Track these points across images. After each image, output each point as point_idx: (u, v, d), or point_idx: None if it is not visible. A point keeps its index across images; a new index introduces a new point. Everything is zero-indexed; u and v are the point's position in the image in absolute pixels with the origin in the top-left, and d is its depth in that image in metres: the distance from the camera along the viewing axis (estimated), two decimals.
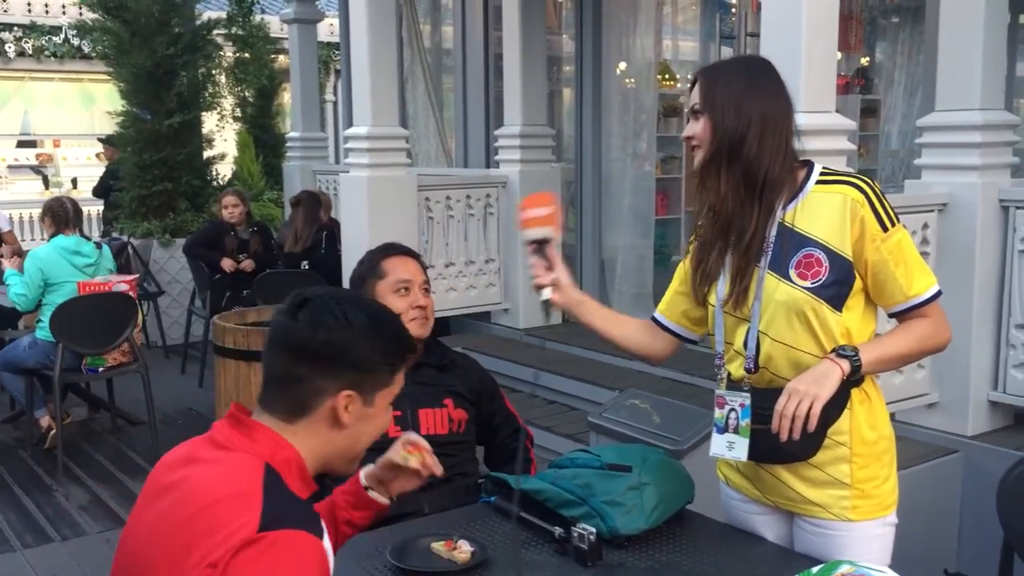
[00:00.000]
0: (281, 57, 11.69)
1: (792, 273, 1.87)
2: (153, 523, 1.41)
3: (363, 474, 1.83)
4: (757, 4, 3.44)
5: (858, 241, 1.86)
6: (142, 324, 6.23)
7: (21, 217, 11.62)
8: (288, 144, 8.85)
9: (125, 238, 7.87)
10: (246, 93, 11.37)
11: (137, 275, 6.35)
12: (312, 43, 8.52)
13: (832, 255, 1.86)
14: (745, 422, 1.90)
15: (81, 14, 10.57)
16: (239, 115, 11.35)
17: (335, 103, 16.03)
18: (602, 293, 6.47)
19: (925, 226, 3.72)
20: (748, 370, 1.92)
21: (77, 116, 13.82)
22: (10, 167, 13.66)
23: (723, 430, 1.93)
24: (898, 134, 8.09)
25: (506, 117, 6.22)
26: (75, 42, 12.70)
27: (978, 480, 3.58)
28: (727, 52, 6.80)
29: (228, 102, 11.15)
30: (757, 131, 1.87)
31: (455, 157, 7.96)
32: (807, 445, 1.88)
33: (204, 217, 8.10)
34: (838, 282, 1.86)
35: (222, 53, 10.49)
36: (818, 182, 1.92)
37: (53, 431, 5.17)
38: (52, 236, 5.19)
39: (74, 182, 13.78)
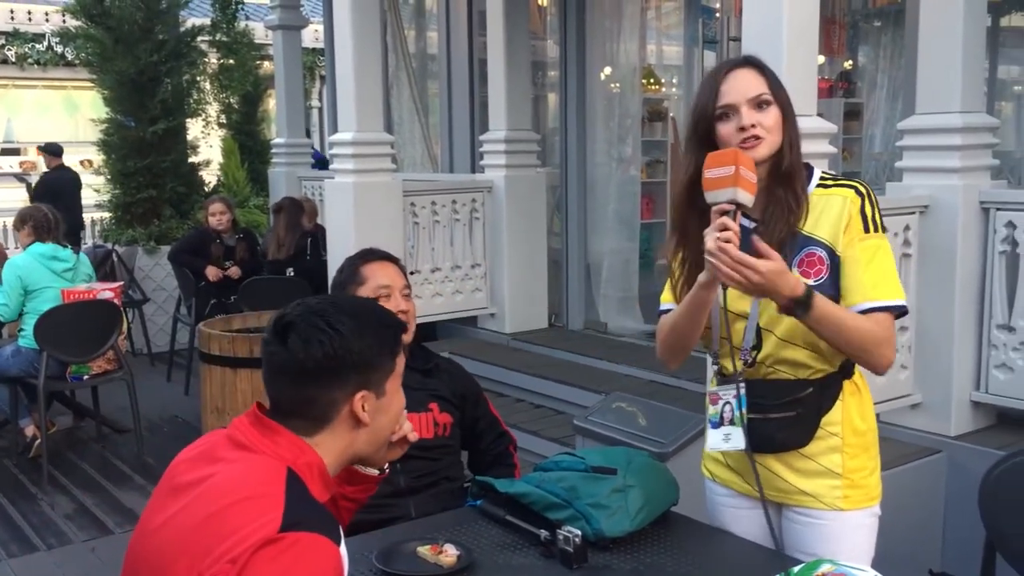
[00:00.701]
0: (266, 63, 11.67)
1: (795, 271, 1.90)
2: (172, 519, 1.43)
3: None
4: (740, 9, 3.47)
5: (844, 236, 1.90)
6: (127, 332, 6.21)
7: (4, 225, 11.55)
8: (273, 150, 8.84)
9: (109, 245, 7.84)
10: (231, 99, 11.34)
11: (122, 282, 6.33)
12: (297, 49, 8.51)
13: (832, 255, 1.90)
14: (741, 412, 1.92)
15: (64, 21, 10.52)
16: (224, 121, 11.32)
17: (320, 109, 16.03)
18: (588, 297, 6.49)
19: (907, 228, 3.75)
20: (745, 363, 1.94)
21: (61, 123, 13.77)
22: None
23: (718, 424, 1.95)
24: (881, 137, 8.15)
25: (491, 122, 6.23)
26: (58, 49, 12.66)
27: (961, 480, 3.60)
28: (710, 56, 6.84)
29: (213, 108, 11.12)
30: (797, 128, 1.94)
31: (440, 162, 7.97)
32: (800, 434, 1.91)
33: (189, 224, 8.08)
34: (836, 282, 1.90)
35: (206, 60, 10.46)
36: (818, 185, 1.96)
37: (38, 440, 5.15)
38: (29, 245, 5.17)
39: None
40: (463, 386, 2.65)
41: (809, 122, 3.29)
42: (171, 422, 6.01)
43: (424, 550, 1.94)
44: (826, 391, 1.94)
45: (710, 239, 1.79)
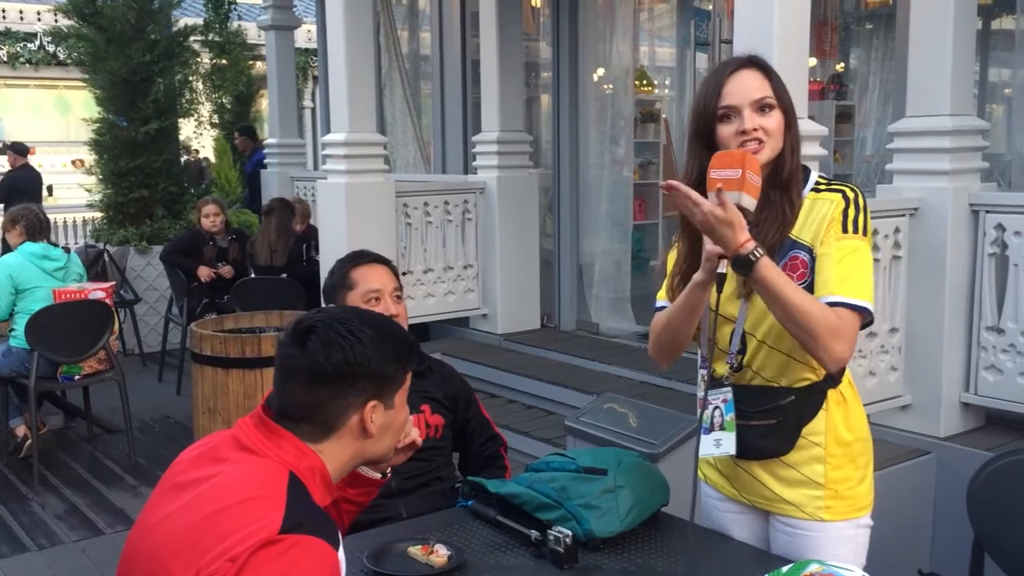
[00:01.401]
0: (259, 63, 11.67)
1: None
2: (172, 516, 1.44)
3: None
4: (732, 11, 3.49)
5: (823, 235, 1.88)
6: (119, 332, 6.20)
7: None
8: (266, 151, 8.84)
9: (101, 245, 7.82)
10: (224, 100, 11.34)
11: (113, 282, 6.31)
12: (289, 49, 8.51)
13: (813, 257, 1.89)
14: (730, 416, 1.92)
15: (56, 21, 10.52)
16: (217, 122, 11.32)
17: (313, 109, 16.02)
18: (580, 299, 6.50)
19: (897, 230, 3.77)
20: (732, 367, 1.94)
21: (53, 123, 13.74)
22: None
23: (709, 430, 1.94)
24: (872, 140, 8.18)
25: (484, 123, 6.24)
26: (50, 49, 12.62)
27: (951, 481, 3.62)
28: (702, 58, 6.86)
29: (206, 109, 11.11)
30: (798, 131, 1.93)
31: (433, 163, 7.97)
32: (781, 442, 1.91)
33: (181, 224, 8.06)
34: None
35: (199, 60, 10.45)
36: (812, 189, 1.95)
37: (29, 440, 5.14)
38: (20, 244, 5.16)
39: (49, 189, 13.65)
40: (455, 388, 2.65)
41: (800, 124, 3.30)
42: (163, 422, 6.00)
43: (415, 550, 1.94)
44: (809, 400, 1.92)
45: (709, 241, 1.79)
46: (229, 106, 11.40)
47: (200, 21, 11.02)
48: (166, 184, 8.27)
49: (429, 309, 6.01)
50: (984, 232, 3.74)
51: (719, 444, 1.92)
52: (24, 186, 9.02)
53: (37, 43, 12.69)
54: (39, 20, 12.74)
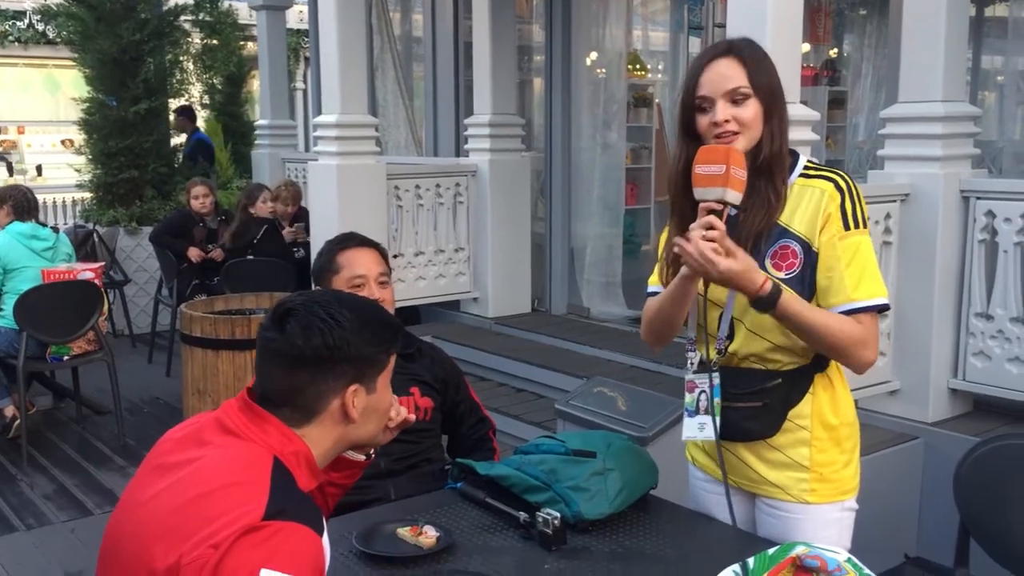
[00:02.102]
0: (250, 44, 11.57)
1: (768, 263, 1.89)
2: (156, 498, 1.43)
3: None
4: None
5: (822, 234, 1.88)
6: (108, 313, 6.17)
7: None
8: (257, 132, 8.79)
9: (90, 226, 7.78)
10: (214, 80, 11.25)
11: (103, 263, 6.29)
12: (281, 30, 8.45)
13: (807, 249, 1.89)
14: (716, 401, 1.93)
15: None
16: (207, 102, 11.23)
17: (305, 91, 15.93)
18: (571, 282, 6.50)
19: (887, 216, 3.78)
20: (720, 352, 1.95)
21: (42, 102, 13.63)
22: None
23: (694, 413, 1.96)
24: (865, 126, 8.19)
25: (476, 106, 6.22)
26: (40, 27, 12.50)
27: (938, 466, 3.64)
28: (695, 43, 6.84)
29: (196, 89, 11.03)
30: (784, 117, 1.91)
31: (425, 146, 7.95)
32: (766, 425, 1.92)
33: (171, 205, 8.02)
34: (807, 277, 1.89)
35: (190, 39, 10.36)
36: (801, 175, 1.94)
37: (17, 420, 5.11)
38: (8, 224, 5.12)
39: (39, 169, 13.60)
40: (445, 371, 2.65)
41: (792, 109, 3.28)
42: (152, 403, 5.99)
43: (404, 531, 1.94)
44: (795, 384, 1.93)
45: (695, 235, 1.79)
46: (220, 87, 11.31)
47: (191, 1, 10.93)
48: (156, 165, 8.22)
49: (420, 292, 6.01)
50: (974, 218, 3.75)
51: (703, 428, 1.93)
52: None
53: (26, 21, 12.56)
54: None
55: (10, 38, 12.80)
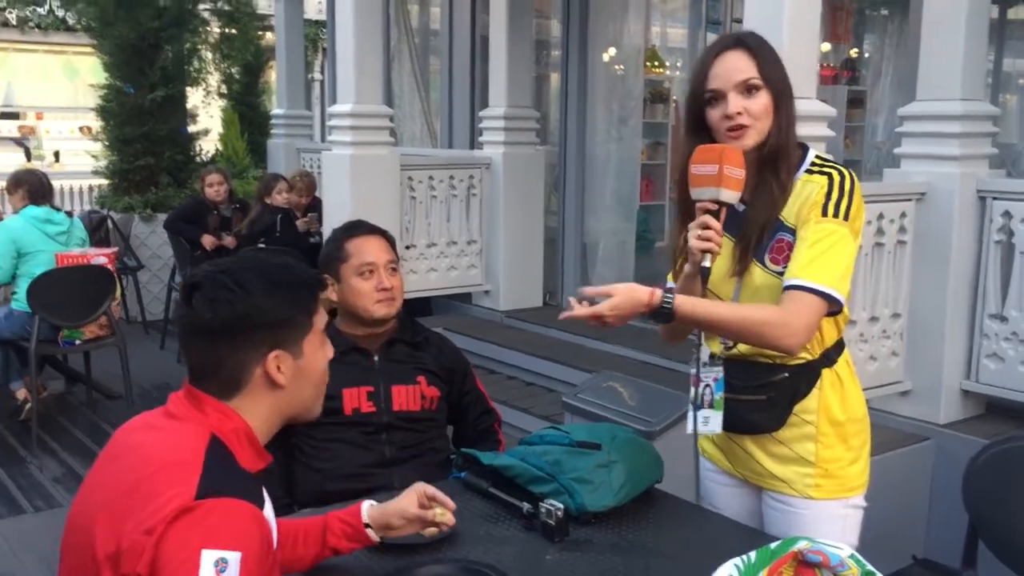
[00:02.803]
0: (268, 34, 11.59)
1: (766, 258, 1.88)
2: (101, 486, 1.43)
3: (366, 512, 1.81)
4: None
5: (800, 217, 1.85)
6: (121, 298, 6.20)
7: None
8: (272, 121, 8.81)
9: (104, 211, 7.81)
10: (232, 70, 11.28)
11: (116, 248, 6.31)
12: (298, 20, 8.45)
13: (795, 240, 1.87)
14: (719, 395, 1.92)
15: None
16: (225, 92, 11.27)
17: (322, 82, 15.93)
18: (583, 277, 6.48)
19: (903, 215, 3.74)
20: (726, 346, 1.94)
21: (61, 89, 13.69)
22: None
23: (699, 407, 1.94)
24: (884, 126, 8.13)
25: (491, 99, 6.20)
26: (59, 13, 12.55)
27: (949, 468, 3.60)
28: (713, 39, 6.79)
29: (214, 78, 11.06)
30: (791, 110, 1.89)
31: (440, 138, 7.94)
32: (771, 419, 1.90)
33: (186, 192, 8.05)
34: None
35: (208, 28, 10.39)
36: (807, 170, 1.92)
37: (28, 403, 5.14)
38: (23, 208, 5.15)
39: (56, 155, 13.68)
40: (451, 361, 2.64)
41: (808, 104, 3.28)
42: (162, 389, 6.01)
43: None
44: (802, 378, 1.91)
45: (692, 236, 1.80)
46: (238, 76, 11.34)
47: None
48: (172, 152, 8.25)
49: (431, 284, 6.00)
50: (991, 219, 3.71)
51: (707, 421, 1.92)
52: None
53: (46, 7, 12.62)
54: None
55: (30, 24, 12.85)
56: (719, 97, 1.85)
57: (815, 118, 3.32)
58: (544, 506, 1.92)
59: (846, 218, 1.82)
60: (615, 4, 6.36)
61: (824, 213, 1.82)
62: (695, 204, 1.83)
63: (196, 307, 1.47)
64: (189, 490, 1.32)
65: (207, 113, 10.87)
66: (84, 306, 5.08)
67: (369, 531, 1.80)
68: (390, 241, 2.57)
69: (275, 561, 1.48)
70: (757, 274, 1.89)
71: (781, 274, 1.85)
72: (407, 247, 5.82)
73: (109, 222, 7.48)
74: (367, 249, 2.49)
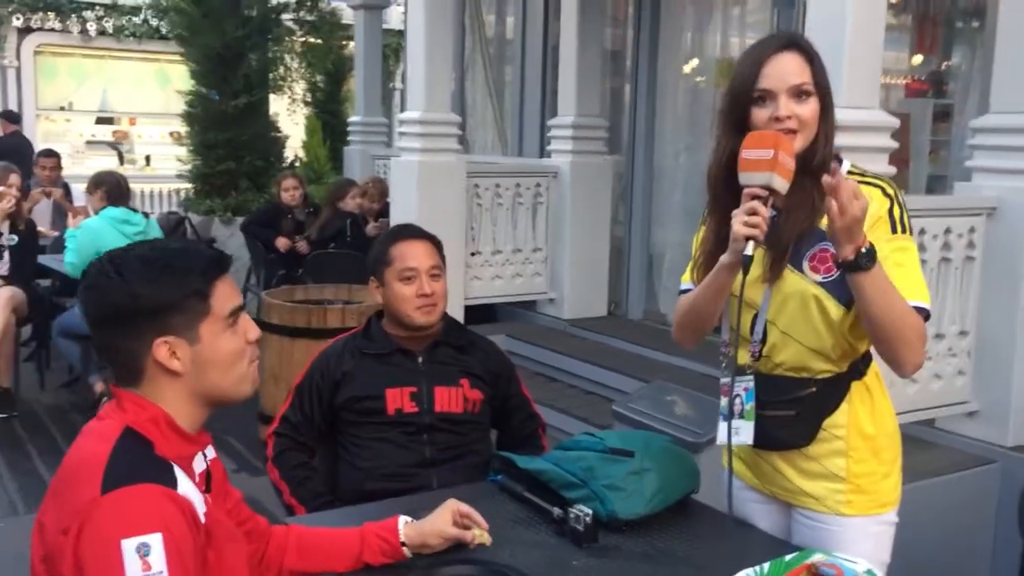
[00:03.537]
0: (351, 44, 11.82)
1: (805, 265, 1.85)
2: (46, 496, 1.48)
3: (403, 531, 1.82)
4: None
5: (868, 235, 1.82)
6: None
7: None
8: (350, 128, 8.99)
9: (182, 212, 8.07)
10: (316, 78, 11.54)
11: None
12: (377, 29, 8.61)
13: None
14: (750, 405, 1.89)
15: None
16: (309, 100, 11.53)
17: (402, 90, 16.16)
18: (648, 288, 6.44)
19: (972, 230, 3.63)
20: (754, 355, 1.91)
21: (153, 95, 14.15)
22: (88, 143, 14.07)
23: (728, 417, 1.92)
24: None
25: (560, 107, 6.22)
26: (153, 23, 13.01)
27: (1014, 492, 3.47)
28: None
29: (299, 87, 11.34)
30: (834, 119, 1.86)
31: (510, 146, 7.99)
32: (800, 434, 1.87)
33: (265, 196, 8.27)
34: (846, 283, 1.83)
35: (292, 37, 10.65)
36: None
37: (105, 397, 5.33)
38: (102, 208, 5.35)
39: (147, 159, 14.15)
40: (496, 364, 2.66)
41: (871, 115, 3.22)
42: None
43: None
44: (830, 392, 1.87)
45: (737, 221, 1.75)
46: (321, 85, 11.59)
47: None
48: (252, 157, 8.48)
49: (496, 291, 6.04)
50: None
51: (737, 433, 1.89)
52: (11, 151, 8.52)
53: (141, 17, 13.09)
54: None
55: (126, 33, 13.35)
56: (769, 98, 1.82)
57: (879, 128, 3.25)
58: (573, 511, 1.92)
59: (911, 232, 1.84)
60: (685, 15, 6.33)
61: (893, 230, 1.81)
62: (741, 191, 1.76)
63: (83, 298, 1.48)
64: (95, 486, 1.34)
65: (292, 120, 11.16)
66: None
67: (404, 549, 1.81)
68: (436, 246, 2.60)
69: (210, 534, 1.45)
70: (792, 280, 1.86)
71: (820, 283, 1.82)
72: (472, 254, 5.87)
73: (187, 224, 7.71)
74: (410, 254, 2.53)
